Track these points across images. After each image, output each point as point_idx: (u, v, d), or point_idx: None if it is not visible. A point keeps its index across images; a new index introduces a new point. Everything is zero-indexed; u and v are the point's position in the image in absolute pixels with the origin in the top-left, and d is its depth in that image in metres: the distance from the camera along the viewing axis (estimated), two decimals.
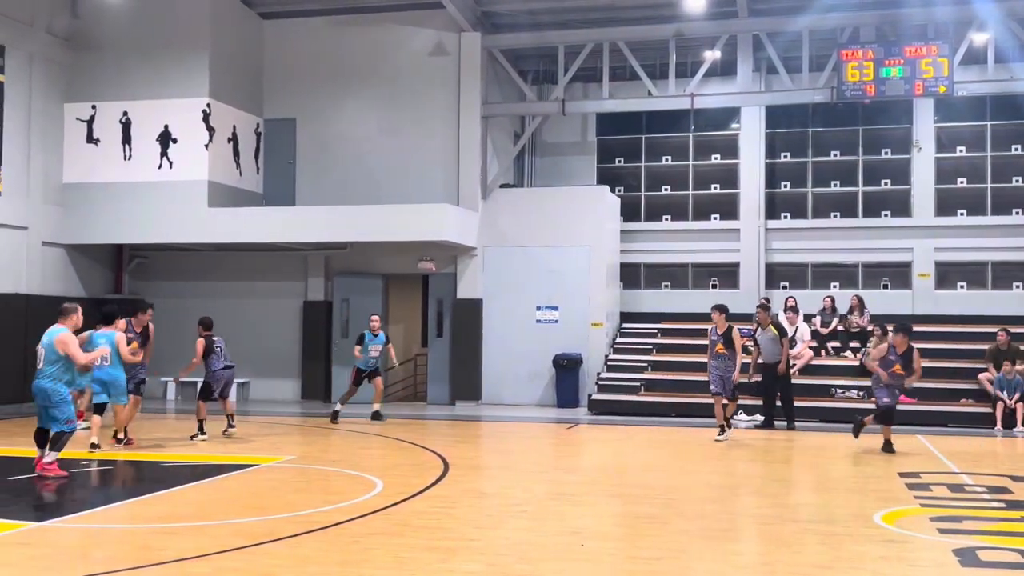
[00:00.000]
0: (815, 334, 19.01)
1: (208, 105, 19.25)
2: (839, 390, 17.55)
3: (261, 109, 21.01)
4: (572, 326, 19.76)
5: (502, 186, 20.83)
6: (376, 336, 16.40)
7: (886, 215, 21.46)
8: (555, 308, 19.84)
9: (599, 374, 19.38)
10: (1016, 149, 20.98)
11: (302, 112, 20.90)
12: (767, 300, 18.38)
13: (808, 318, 19.28)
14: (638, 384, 18.79)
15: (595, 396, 18.57)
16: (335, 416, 16.08)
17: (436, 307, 20.57)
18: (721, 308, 14.45)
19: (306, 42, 20.94)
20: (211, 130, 19.31)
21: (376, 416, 16.18)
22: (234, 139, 20.10)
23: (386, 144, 20.40)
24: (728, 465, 11.94)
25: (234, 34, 20.26)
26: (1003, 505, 8.93)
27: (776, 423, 15.99)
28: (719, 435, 13.89)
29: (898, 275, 21.24)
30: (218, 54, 19.60)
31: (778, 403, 16.17)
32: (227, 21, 20.05)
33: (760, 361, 16.12)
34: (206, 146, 19.21)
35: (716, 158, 22.50)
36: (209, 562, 6.51)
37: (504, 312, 19.96)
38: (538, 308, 19.95)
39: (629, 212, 22.34)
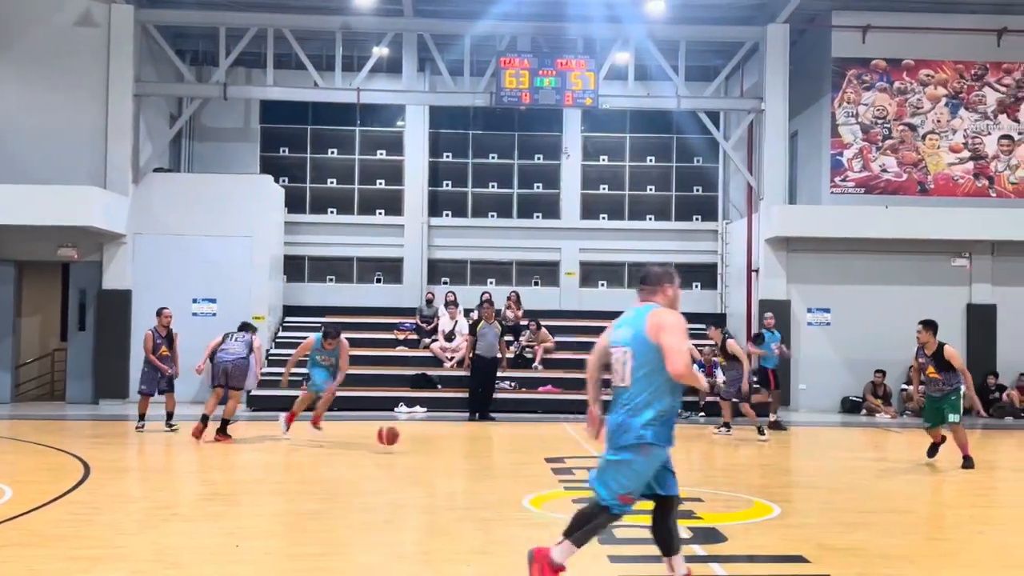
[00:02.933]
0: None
1: None
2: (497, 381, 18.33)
3: None
4: (232, 319, 19.01)
5: (156, 170, 19.67)
6: (773, 334, 16.13)
7: (538, 217, 22.79)
8: (213, 301, 19.07)
9: (260, 370, 18.84)
10: (651, 160, 23.10)
11: None
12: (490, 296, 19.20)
13: (467, 312, 20.01)
14: (300, 379, 18.47)
15: (255, 392, 18.04)
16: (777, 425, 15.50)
17: (78, 298, 19.03)
18: (716, 324, 15.40)
19: None
20: None
21: (777, 425, 15.48)
22: None
23: (24, 118, 18.52)
24: (391, 458, 12.09)
25: None
26: None
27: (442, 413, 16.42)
28: (722, 430, 14.79)
29: (548, 273, 22.64)
30: None
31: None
32: None
33: (478, 353, 16.65)
34: None
35: (382, 154, 22.73)
36: None
37: (156, 304, 18.77)
38: (195, 300, 19.06)
39: (294, 203, 21.97)
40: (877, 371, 18.74)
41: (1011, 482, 11.45)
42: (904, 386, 18.86)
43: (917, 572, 6.47)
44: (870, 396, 18.83)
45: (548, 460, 11.39)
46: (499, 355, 17.20)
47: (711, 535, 7.35)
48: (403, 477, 10.70)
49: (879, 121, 19.65)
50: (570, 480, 10.00)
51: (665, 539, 5.56)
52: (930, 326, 11.58)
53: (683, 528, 7.51)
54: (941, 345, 11.41)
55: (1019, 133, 19.71)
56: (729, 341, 15.04)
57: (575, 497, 8.90)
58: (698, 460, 13.40)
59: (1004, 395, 18.78)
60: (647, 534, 7.34)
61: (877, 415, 18.41)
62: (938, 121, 19.70)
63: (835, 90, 19.60)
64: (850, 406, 18.99)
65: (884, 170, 19.62)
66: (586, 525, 5.44)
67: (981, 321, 19.30)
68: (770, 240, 19.49)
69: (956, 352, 11.48)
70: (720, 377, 18.12)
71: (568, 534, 5.44)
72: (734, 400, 14.82)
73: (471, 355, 17.03)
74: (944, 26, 19.46)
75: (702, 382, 5.45)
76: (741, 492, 9.80)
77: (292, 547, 7.06)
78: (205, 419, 13.18)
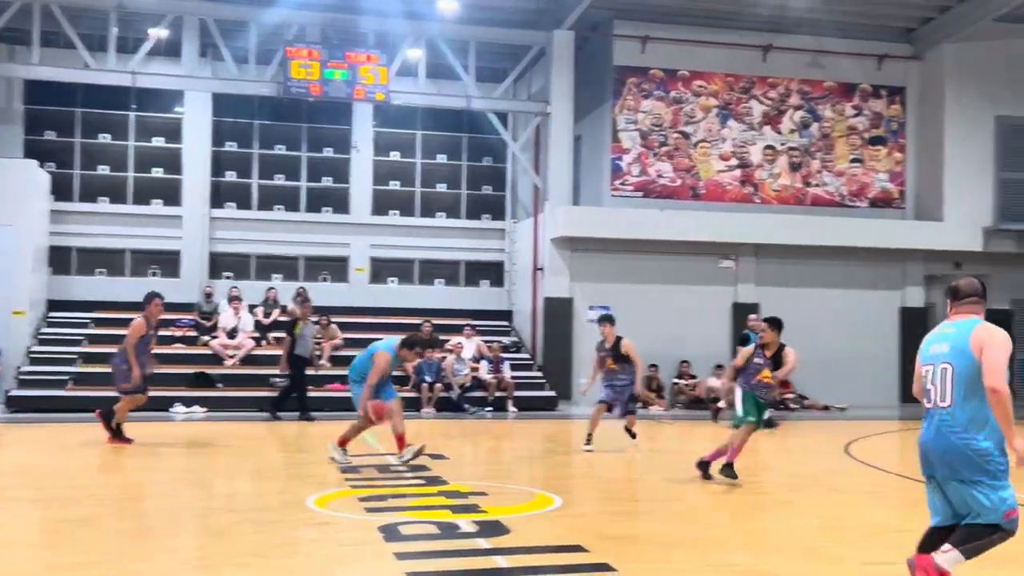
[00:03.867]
0: (257, 324, 19.19)
1: None
2: (278, 379, 17.88)
3: None
4: None
5: None
6: (760, 335, 14.42)
7: (327, 211, 22.42)
8: None
9: (19, 368, 17.57)
10: (442, 158, 23.23)
11: None
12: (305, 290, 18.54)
13: (251, 308, 19.41)
14: (66, 378, 17.36)
15: (14, 392, 16.79)
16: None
17: None
18: (611, 320, 13.03)
19: None
20: None
21: (769, 424, 14.64)
22: None
23: None
24: (165, 460, 11.55)
25: None
26: (423, 482, 9.78)
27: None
28: (586, 444, 12.69)
29: (337, 269, 22.32)
30: None
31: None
32: None
33: (298, 354, 16.07)
34: None
35: (159, 141, 21.68)
36: None
37: None
38: None
39: (61, 191, 20.59)
40: (651, 365, 19.63)
41: (774, 470, 12.30)
42: (675, 380, 19.89)
43: (689, 557, 6.82)
44: (645, 390, 19.70)
45: (334, 459, 11.21)
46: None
47: (495, 528, 7.46)
48: (180, 480, 10.24)
49: (656, 128, 20.63)
50: (357, 478, 9.89)
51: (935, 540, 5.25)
52: (775, 324, 10.40)
53: (467, 522, 7.61)
54: (782, 346, 10.29)
55: (781, 144, 21.22)
56: (624, 341, 12.85)
57: (362, 496, 8.82)
58: (484, 454, 13.60)
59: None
60: (433, 530, 7.38)
61: (651, 407, 19.30)
62: (709, 130, 20.90)
63: (616, 97, 20.40)
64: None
65: (660, 175, 20.62)
66: (979, 541, 5.08)
67: (745, 318, 20.60)
68: (555, 240, 20.05)
69: (792, 352, 10.34)
70: (508, 373, 18.49)
71: (958, 544, 5.10)
72: (622, 410, 12.84)
73: (288, 354, 16.36)
74: (716, 40, 20.67)
75: (1007, 409, 4.95)
76: (524, 485, 10.02)
77: (57, 557, 6.61)
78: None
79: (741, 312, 20.59)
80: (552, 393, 18.96)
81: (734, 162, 21.01)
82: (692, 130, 20.81)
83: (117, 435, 12.28)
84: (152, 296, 12.74)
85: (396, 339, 10.99)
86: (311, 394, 16.73)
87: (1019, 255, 21.22)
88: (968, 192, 20.97)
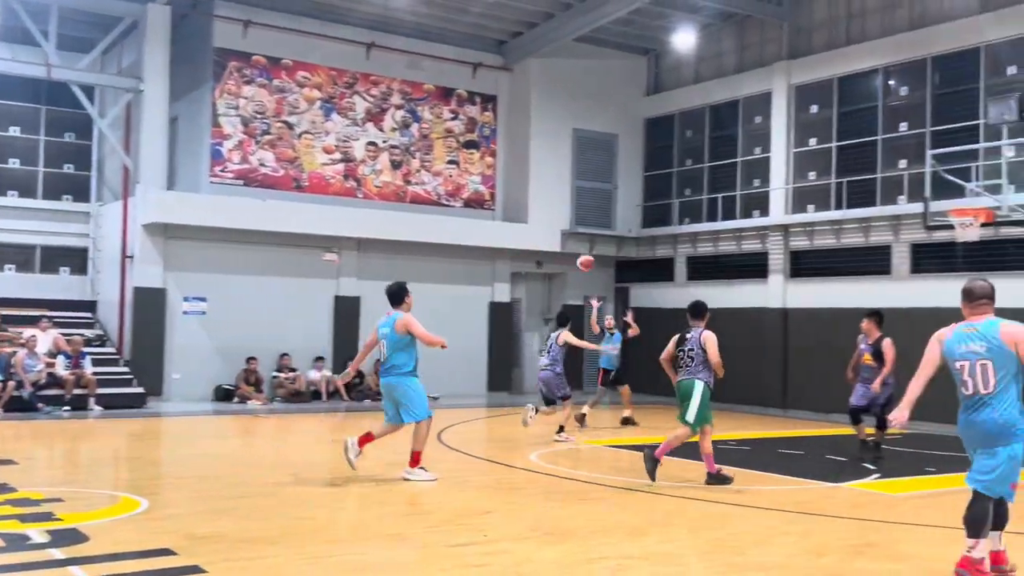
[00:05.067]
0: None
1: None
2: None
3: None
4: None
5: None
6: (613, 335, 16.15)
7: None
8: None
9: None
10: (15, 131, 21.03)
11: None
12: None
13: None
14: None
15: None
16: (582, 419, 15.30)
17: None
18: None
19: None
20: None
21: (628, 421, 15.81)
22: None
23: None
24: None
25: None
26: None
27: None
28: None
29: None
30: None
31: None
32: None
33: None
34: None
35: None
36: None
37: None
38: None
39: None
40: (250, 358, 19.21)
41: (367, 459, 12.53)
42: (275, 373, 19.61)
43: (281, 551, 6.75)
44: (243, 384, 19.23)
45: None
46: None
47: (72, 536, 6.89)
48: None
49: (258, 116, 20.16)
50: None
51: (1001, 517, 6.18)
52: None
53: (39, 532, 6.95)
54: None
55: (383, 141, 21.69)
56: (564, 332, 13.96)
57: None
58: (60, 457, 12.50)
59: (362, 380, 20.50)
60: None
61: (249, 402, 18.87)
62: (313, 122, 20.82)
63: (217, 80, 19.65)
64: (223, 394, 19.21)
65: (262, 164, 20.19)
66: (989, 518, 6.01)
67: (346, 312, 20.84)
68: (147, 226, 18.89)
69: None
70: (89, 369, 17.13)
71: (976, 536, 5.97)
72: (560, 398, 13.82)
73: None
74: (320, 32, 20.64)
75: None
76: (106, 488, 9.37)
77: None
78: None
79: (343, 305, 20.80)
80: (140, 390, 17.88)
81: (337, 156, 21.13)
82: (296, 120, 20.60)
83: None
84: None
85: (399, 312, 10.34)
86: None
87: (592, 256, 23.47)
88: (549, 197, 22.84)
